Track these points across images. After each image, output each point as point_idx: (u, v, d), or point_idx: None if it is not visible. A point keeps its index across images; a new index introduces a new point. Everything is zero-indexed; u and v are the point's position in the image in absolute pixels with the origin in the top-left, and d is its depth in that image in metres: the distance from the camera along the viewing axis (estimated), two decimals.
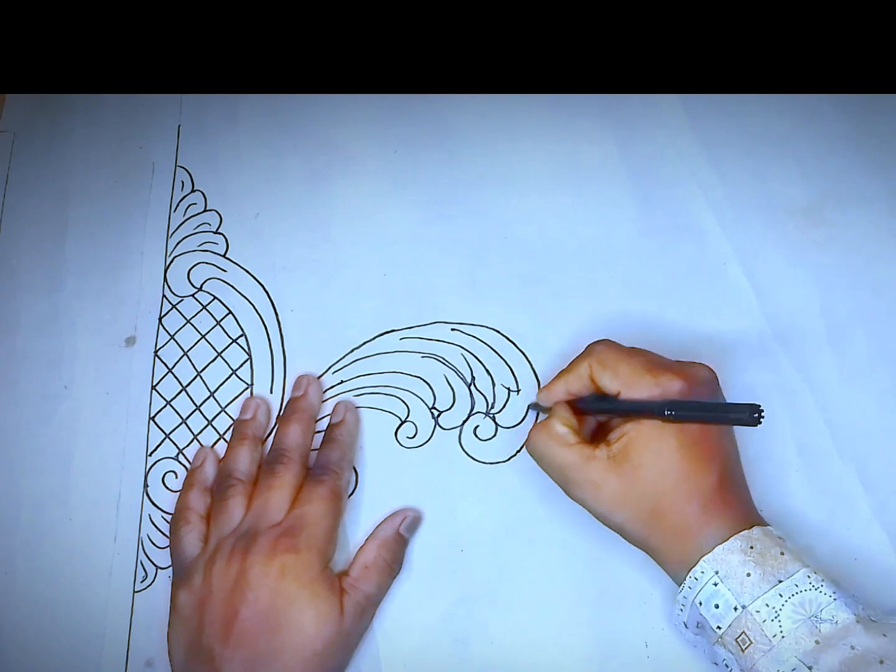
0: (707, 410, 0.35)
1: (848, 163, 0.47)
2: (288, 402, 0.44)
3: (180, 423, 0.45)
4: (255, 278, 0.48)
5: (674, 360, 0.38)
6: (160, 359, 0.47)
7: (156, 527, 0.43)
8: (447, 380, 0.44)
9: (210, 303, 0.48)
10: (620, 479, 0.35)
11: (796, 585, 0.32)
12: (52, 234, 0.51)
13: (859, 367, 0.42)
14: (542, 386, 0.42)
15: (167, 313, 0.48)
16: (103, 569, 0.42)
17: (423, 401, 0.44)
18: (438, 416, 0.43)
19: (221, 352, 0.46)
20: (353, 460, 0.42)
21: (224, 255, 0.49)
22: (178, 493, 0.43)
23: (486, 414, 0.43)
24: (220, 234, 0.49)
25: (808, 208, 0.46)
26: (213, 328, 0.47)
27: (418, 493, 0.42)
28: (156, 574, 0.42)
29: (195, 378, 0.46)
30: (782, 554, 0.33)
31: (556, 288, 0.46)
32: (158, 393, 0.46)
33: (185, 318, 0.47)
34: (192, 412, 0.45)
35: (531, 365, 0.44)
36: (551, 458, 0.37)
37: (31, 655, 0.41)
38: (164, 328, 0.47)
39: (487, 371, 0.44)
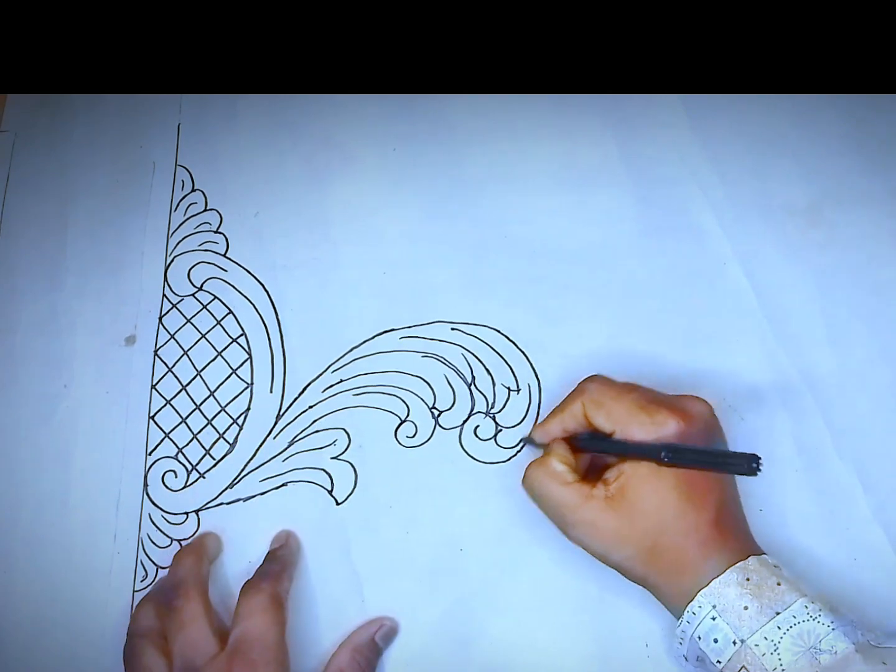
0: (705, 457, 0.34)
1: (848, 163, 0.47)
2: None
3: (180, 423, 0.45)
4: (255, 277, 0.48)
5: (670, 395, 0.37)
6: (160, 358, 0.47)
7: (156, 526, 0.43)
8: (447, 379, 0.44)
9: (210, 302, 0.48)
10: (618, 518, 0.35)
11: (794, 617, 0.32)
12: (53, 234, 0.51)
13: (859, 367, 0.42)
14: (536, 424, 0.41)
15: (167, 312, 0.48)
16: (103, 568, 0.42)
17: (423, 400, 0.44)
18: (438, 415, 0.43)
19: (221, 351, 0.46)
20: (293, 577, 0.40)
21: (224, 255, 0.49)
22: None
23: (487, 414, 0.43)
24: (220, 233, 0.49)
25: (808, 208, 0.46)
26: (213, 327, 0.47)
27: (418, 493, 0.42)
28: (156, 573, 0.42)
29: (195, 377, 0.46)
30: (779, 584, 0.33)
31: (556, 287, 0.46)
32: (158, 392, 0.46)
33: (186, 318, 0.47)
34: (192, 411, 0.45)
35: (531, 365, 0.44)
36: (549, 496, 0.37)
37: (31, 655, 0.41)
38: (165, 327, 0.47)
39: (488, 371, 0.44)
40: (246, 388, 0.45)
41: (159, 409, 0.45)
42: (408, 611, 0.39)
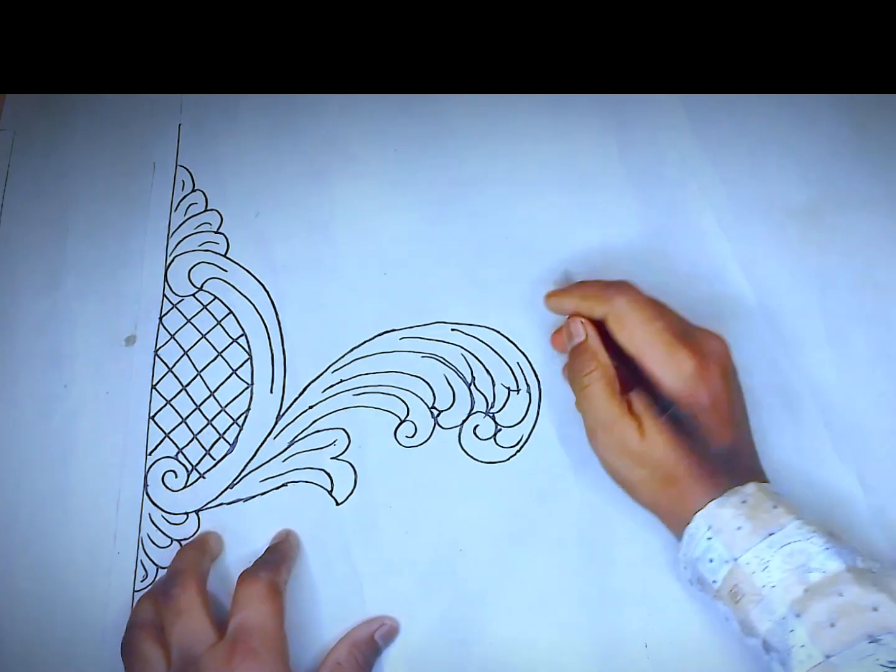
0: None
1: (848, 164, 0.47)
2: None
3: (180, 423, 0.45)
4: (255, 278, 0.48)
5: (692, 327, 0.38)
6: (160, 358, 0.47)
7: (156, 526, 0.43)
8: (447, 379, 0.44)
9: (210, 302, 0.48)
10: (641, 446, 0.36)
11: (787, 537, 0.33)
12: (52, 233, 0.51)
13: (859, 369, 0.42)
14: (552, 291, 0.41)
15: (167, 313, 0.48)
16: (103, 568, 0.42)
17: (423, 400, 0.44)
18: (438, 415, 0.43)
19: (222, 351, 0.46)
20: (291, 570, 0.40)
21: (224, 255, 0.49)
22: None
23: (486, 413, 0.43)
24: (220, 233, 0.49)
25: (808, 209, 0.46)
26: (213, 328, 0.47)
27: (418, 493, 0.42)
28: (156, 573, 0.42)
29: (195, 377, 0.46)
30: (775, 507, 0.34)
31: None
32: (158, 392, 0.46)
33: (186, 318, 0.47)
34: (192, 412, 0.45)
35: (531, 365, 0.44)
36: (600, 405, 0.37)
37: (31, 655, 0.41)
38: (165, 327, 0.47)
39: (487, 371, 0.44)
40: (246, 389, 0.45)
41: (159, 409, 0.45)
42: (407, 610, 0.39)
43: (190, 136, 0.53)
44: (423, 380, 0.44)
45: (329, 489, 0.43)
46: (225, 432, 0.45)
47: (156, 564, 0.42)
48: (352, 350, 0.45)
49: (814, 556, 0.32)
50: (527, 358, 0.44)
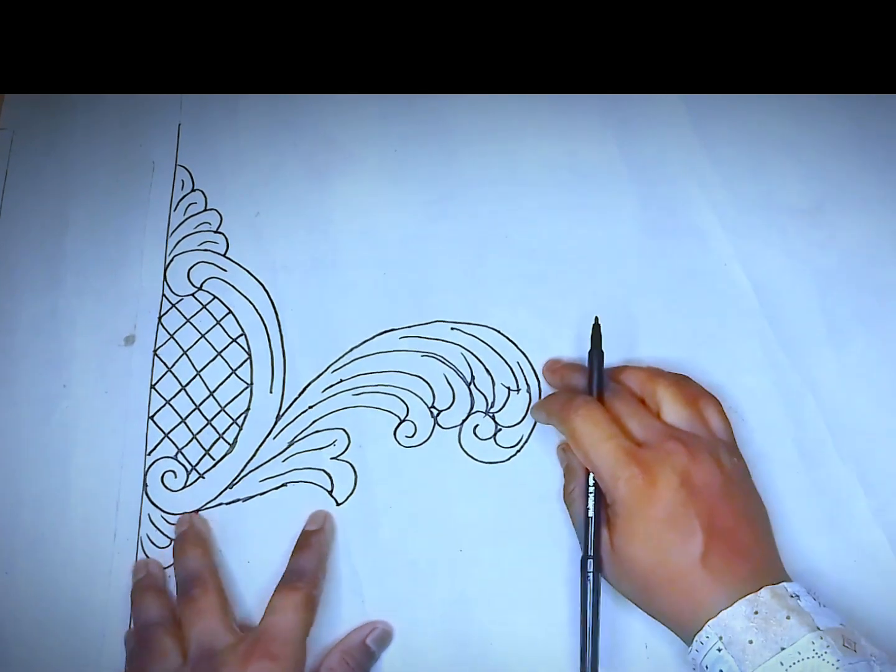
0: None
1: (849, 163, 0.47)
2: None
3: (179, 423, 0.45)
4: (255, 277, 0.48)
5: (657, 432, 0.37)
6: (159, 358, 0.47)
7: (155, 526, 0.43)
8: (447, 379, 0.44)
9: (210, 302, 0.48)
10: (613, 556, 0.36)
11: (799, 653, 0.31)
12: (52, 233, 0.51)
13: (860, 369, 0.42)
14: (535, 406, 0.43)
15: (167, 312, 0.48)
16: (103, 568, 0.42)
17: (423, 400, 0.44)
18: (438, 415, 0.43)
19: (221, 351, 0.46)
20: (327, 571, 0.40)
21: (224, 255, 0.49)
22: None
23: (486, 413, 0.43)
24: (220, 233, 0.49)
25: (809, 209, 0.46)
26: (212, 327, 0.47)
27: (417, 493, 0.42)
28: None
29: (195, 377, 0.46)
30: (788, 618, 0.32)
31: (556, 288, 0.46)
32: (158, 392, 0.46)
33: (185, 318, 0.47)
34: (192, 411, 0.45)
35: (531, 365, 0.44)
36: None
37: (31, 655, 0.41)
38: (164, 327, 0.47)
39: (487, 370, 0.44)
40: (246, 389, 0.45)
41: (159, 409, 0.45)
42: (407, 611, 0.39)
43: (190, 135, 0.53)
44: (423, 379, 0.44)
45: (329, 489, 0.42)
46: (224, 432, 0.44)
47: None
48: (351, 350, 0.45)
49: None
50: (527, 358, 0.44)
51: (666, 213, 0.47)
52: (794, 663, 0.31)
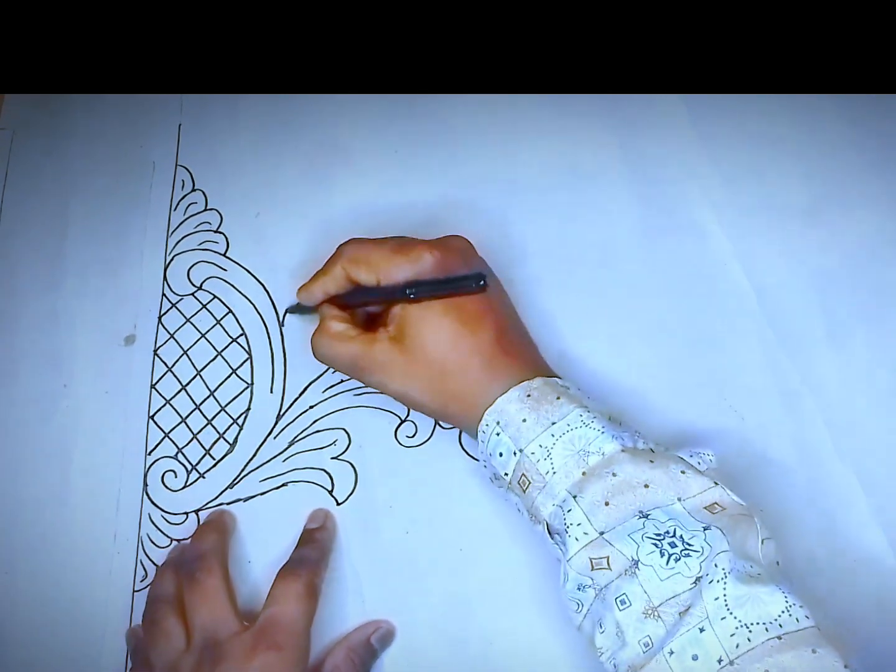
0: (443, 285, 0.36)
1: (848, 163, 0.47)
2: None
3: (180, 423, 0.45)
4: (255, 277, 0.48)
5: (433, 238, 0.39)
6: (160, 357, 0.47)
7: (155, 526, 0.43)
8: None
9: (210, 302, 0.48)
10: (404, 354, 0.37)
11: (568, 425, 0.34)
12: (52, 233, 0.51)
13: (859, 369, 0.42)
14: (299, 287, 0.42)
15: (167, 312, 0.48)
16: (103, 568, 0.42)
17: None
18: None
19: (221, 351, 0.46)
20: (329, 564, 0.40)
21: (224, 255, 0.49)
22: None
23: None
24: (220, 232, 0.49)
25: (808, 209, 0.46)
26: (213, 327, 0.47)
27: (418, 493, 0.42)
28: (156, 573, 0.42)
29: (195, 377, 0.46)
30: (558, 398, 0.35)
31: (556, 288, 0.46)
32: (158, 392, 0.46)
33: (185, 317, 0.47)
34: (192, 411, 0.45)
35: None
36: (338, 355, 0.39)
37: (32, 655, 0.41)
38: (164, 327, 0.47)
39: None
40: (246, 388, 0.45)
41: (159, 409, 0.45)
42: (407, 610, 0.39)
43: (190, 135, 0.53)
44: None
45: (329, 489, 0.43)
46: (225, 432, 0.44)
47: (155, 564, 0.42)
48: None
49: (592, 440, 0.34)
50: None
51: (666, 213, 0.47)
52: (563, 433, 0.34)
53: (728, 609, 0.30)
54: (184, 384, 0.46)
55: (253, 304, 0.47)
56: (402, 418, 0.43)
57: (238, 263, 0.48)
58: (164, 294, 0.48)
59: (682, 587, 0.31)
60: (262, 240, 0.49)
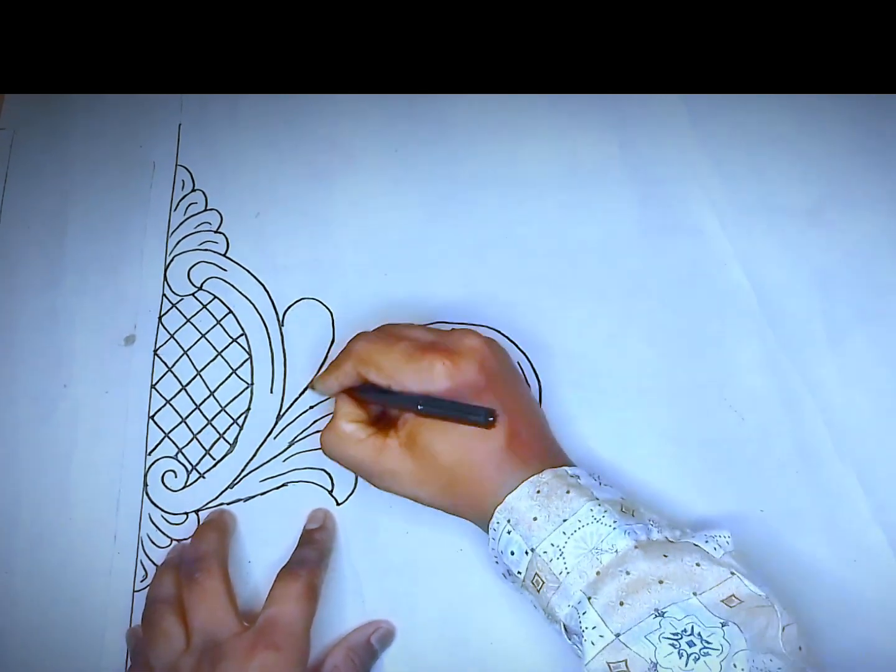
0: (451, 410, 0.36)
1: (849, 163, 0.47)
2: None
3: (180, 423, 0.45)
4: (255, 277, 0.48)
5: (443, 331, 0.38)
6: (160, 357, 0.47)
7: (155, 526, 0.43)
8: None
9: (210, 302, 0.48)
10: (415, 461, 0.36)
11: (579, 521, 0.33)
12: (52, 232, 0.51)
13: (859, 369, 0.42)
14: (316, 377, 0.42)
15: (167, 312, 0.48)
16: (103, 568, 0.42)
17: None
18: None
19: (221, 351, 0.46)
20: (328, 565, 0.40)
21: (224, 255, 0.49)
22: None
23: None
24: (220, 233, 0.49)
25: (808, 209, 0.46)
26: (213, 327, 0.47)
27: None
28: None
29: (195, 377, 0.46)
30: (568, 493, 0.34)
31: (556, 288, 0.46)
32: (158, 392, 0.46)
33: (185, 317, 0.47)
34: (192, 411, 0.45)
35: (531, 365, 0.44)
36: (347, 457, 0.38)
37: (31, 655, 0.41)
38: (164, 327, 0.47)
39: None
40: (246, 388, 0.45)
41: (159, 409, 0.45)
42: (407, 610, 0.39)
43: (190, 135, 0.53)
44: None
45: (329, 489, 0.43)
46: (225, 432, 0.44)
47: (155, 564, 0.42)
48: None
49: (604, 536, 0.33)
50: (527, 358, 0.44)
51: (665, 212, 0.47)
52: (575, 531, 0.33)
53: None
54: (184, 384, 0.46)
55: (253, 305, 0.47)
56: None
57: (238, 263, 0.48)
58: (164, 294, 0.48)
59: None
60: (263, 240, 0.49)
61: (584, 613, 0.32)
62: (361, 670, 0.38)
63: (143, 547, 0.42)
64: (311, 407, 0.44)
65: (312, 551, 0.39)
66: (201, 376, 0.46)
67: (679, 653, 0.30)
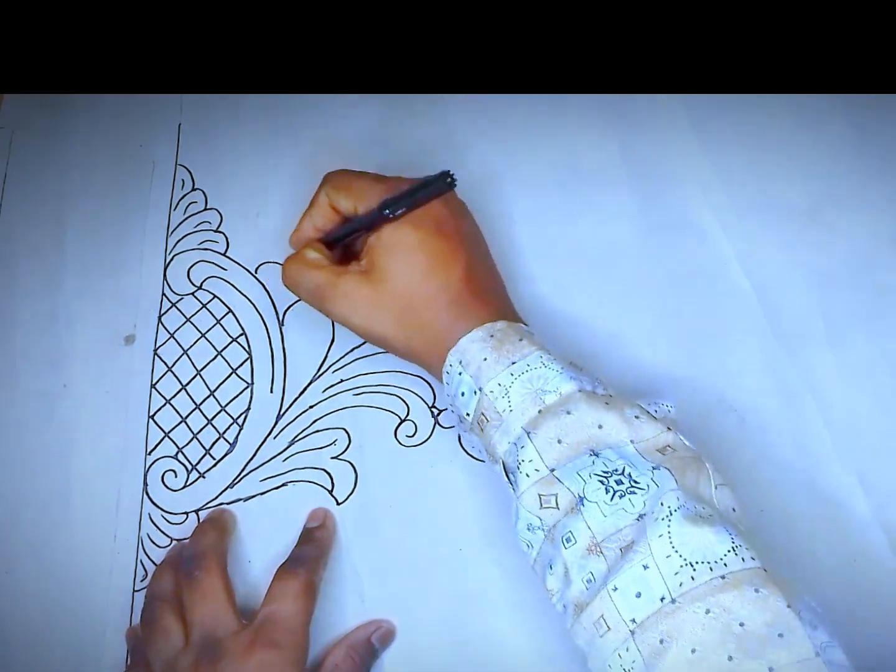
0: (414, 193, 0.36)
1: (848, 163, 0.47)
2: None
3: (180, 422, 0.45)
4: (255, 277, 0.48)
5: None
6: (160, 357, 0.47)
7: (155, 526, 0.43)
8: None
9: (210, 301, 0.48)
10: (371, 286, 0.37)
11: (528, 365, 0.34)
12: (52, 232, 0.51)
13: (859, 369, 0.42)
14: (292, 233, 0.43)
15: (167, 311, 0.48)
16: (103, 568, 0.42)
17: (423, 399, 0.44)
18: (438, 414, 0.43)
19: (221, 350, 0.46)
20: (327, 563, 0.40)
21: (224, 254, 0.49)
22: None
23: None
24: (220, 232, 0.49)
25: (808, 209, 0.46)
26: (213, 327, 0.47)
27: (418, 492, 0.42)
28: None
29: (195, 377, 0.46)
30: (521, 340, 0.35)
31: (557, 288, 0.46)
32: (158, 391, 0.46)
33: (185, 317, 0.47)
34: (192, 411, 0.45)
35: None
36: (306, 281, 0.39)
37: (32, 655, 0.41)
38: (164, 326, 0.47)
39: None
40: (246, 388, 0.45)
41: (159, 409, 0.45)
42: (407, 610, 0.39)
43: (190, 135, 0.53)
44: (424, 379, 0.44)
45: (329, 489, 0.43)
46: (225, 432, 0.44)
47: (156, 564, 0.42)
48: (352, 350, 0.45)
49: (550, 379, 0.34)
50: None
51: (665, 212, 0.47)
52: (522, 373, 0.34)
53: (673, 547, 0.30)
54: (184, 384, 0.46)
55: (253, 304, 0.47)
56: (402, 418, 0.43)
57: (238, 263, 0.48)
58: (164, 294, 0.48)
59: (625, 522, 0.31)
60: (263, 239, 0.49)
61: (522, 447, 0.33)
62: (362, 669, 0.38)
63: (143, 546, 0.42)
64: (311, 407, 0.44)
65: (312, 549, 0.39)
66: (201, 376, 0.46)
67: (606, 489, 0.31)
